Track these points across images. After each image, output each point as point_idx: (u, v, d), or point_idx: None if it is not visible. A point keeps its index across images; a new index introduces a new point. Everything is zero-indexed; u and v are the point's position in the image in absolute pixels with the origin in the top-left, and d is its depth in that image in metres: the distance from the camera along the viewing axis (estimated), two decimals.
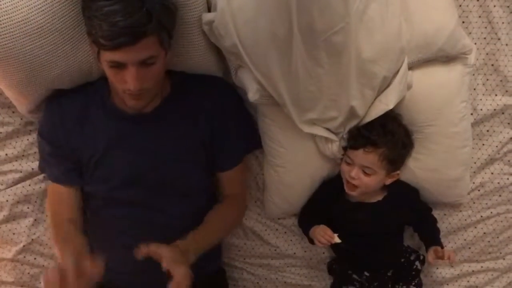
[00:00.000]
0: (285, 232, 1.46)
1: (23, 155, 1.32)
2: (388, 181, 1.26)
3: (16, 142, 1.31)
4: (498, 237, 1.46)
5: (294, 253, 1.48)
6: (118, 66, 1.01)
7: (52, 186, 1.25)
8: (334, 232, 1.24)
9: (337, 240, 1.23)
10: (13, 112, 1.28)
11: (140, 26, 0.97)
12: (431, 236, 1.33)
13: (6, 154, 1.31)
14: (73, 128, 1.17)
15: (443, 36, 1.17)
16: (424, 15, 1.16)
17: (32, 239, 1.38)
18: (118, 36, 0.96)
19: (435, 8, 1.17)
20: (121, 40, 0.96)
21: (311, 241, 1.33)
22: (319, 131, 1.22)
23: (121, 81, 1.04)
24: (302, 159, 1.29)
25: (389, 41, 1.11)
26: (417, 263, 1.36)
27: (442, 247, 1.28)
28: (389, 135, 1.20)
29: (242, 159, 1.30)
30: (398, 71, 1.16)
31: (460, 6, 1.26)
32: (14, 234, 1.36)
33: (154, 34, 1.00)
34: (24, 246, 1.38)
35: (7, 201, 1.34)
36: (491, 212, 1.43)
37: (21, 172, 1.33)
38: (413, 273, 1.36)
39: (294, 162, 1.29)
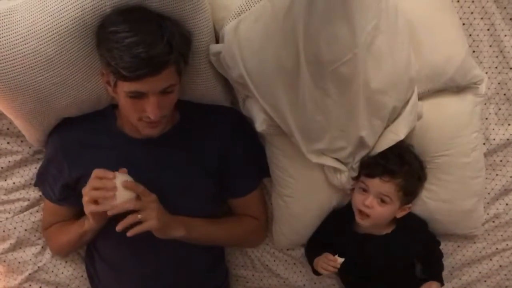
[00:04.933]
0: (294, 263, 1.44)
1: (30, 184, 1.32)
2: (400, 214, 1.24)
3: (24, 170, 1.31)
4: None
5: (304, 284, 1.45)
6: (138, 96, 1.02)
7: (48, 203, 1.28)
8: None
9: (340, 260, 1.21)
10: (22, 141, 1.28)
11: (162, 57, 0.98)
12: (434, 271, 1.30)
13: (14, 183, 1.31)
14: (76, 155, 1.17)
15: (453, 67, 1.16)
16: (434, 45, 1.15)
17: (38, 267, 1.36)
18: (141, 67, 0.96)
19: (445, 38, 1.16)
20: (144, 71, 0.97)
21: (315, 272, 1.30)
22: (328, 161, 1.20)
23: (139, 110, 1.05)
24: (310, 189, 1.27)
25: (398, 72, 1.10)
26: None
27: (443, 284, 1.26)
28: (407, 165, 1.19)
29: (255, 186, 1.30)
30: (408, 101, 1.15)
31: (471, 35, 1.25)
32: (19, 262, 1.35)
33: (174, 64, 1.02)
34: (30, 274, 1.36)
35: (15, 228, 1.34)
36: (507, 245, 1.39)
37: (28, 200, 1.33)
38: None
39: (302, 192, 1.27)
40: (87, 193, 1.04)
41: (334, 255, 1.22)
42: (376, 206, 1.19)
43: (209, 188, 1.23)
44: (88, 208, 1.06)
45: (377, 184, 1.18)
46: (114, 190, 1.02)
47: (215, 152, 1.20)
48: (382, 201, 1.19)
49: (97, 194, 1.03)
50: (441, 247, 1.35)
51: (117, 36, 0.97)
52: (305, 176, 1.25)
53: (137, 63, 0.96)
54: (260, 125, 1.17)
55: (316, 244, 1.33)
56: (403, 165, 1.18)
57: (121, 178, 1.05)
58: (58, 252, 1.35)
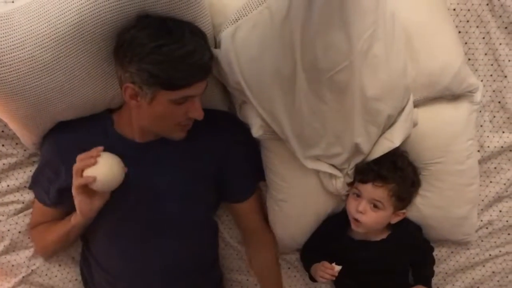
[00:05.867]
0: (289, 268, 1.44)
1: (25, 186, 1.32)
2: (394, 220, 1.24)
3: (19, 173, 1.31)
4: (507, 277, 1.42)
5: None
6: (183, 101, 1.05)
7: (38, 204, 1.28)
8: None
9: (337, 268, 1.21)
10: (17, 143, 1.27)
11: (210, 61, 1.06)
12: (423, 276, 1.30)
13: (8, 185, 1.30)
14: (73, 158, 1.16)
15: (448, 75, 1.16)
16: (430, 53, 1.16)
17: (32, 270, 1.36)
18: (198, 74, 1.03)
19: (441, 47, 1.17)
20: (200, 76, 1.03)
21: (312, 279, 1.31)
22: (323, 167, 1.21)
23: (180, 114, 1.07)
24: (305, 194, 1.27)
25: (394, 80, 1.11)
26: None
27: None
28: (399, 171, 1.19)
29: (253, 190, 1.31)
30: (403, 108, 1.15)
31: (466, 43, 1.26)
32: (13, 265, 1.35)
33: None
34: (23, 277, 1.36)
35: (8, 230, 1.33)
36: (500, 251, 1.40)
37: (23, 203, 1.32)
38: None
39: (297, 197, 1.27)
40: (74, 167, 1.06)
41: (330, 262, 1.22)
42: (369, 211, 1.19)
43: (206, 192, 1.23)
44: (75, 181, 1.06)
45: (369, 190, 1.19)
46: (97, 156, 1.04)
47: (213, 155, 1.20)
48: (375, 206, 1.19)
49: (80, 164, 1.05)
50: (434, 253, 1.36)
51: (164, 49, 0.98)
52: (300, 181, 1.25)
53: (195, 70, 1.01)
54: (256, 131, 1.17)
55: (311, 249, 1.33)
56: (395, 171, 1.18)
57: (107, 154, 1.07)
58: (43, 252, 1.34)
